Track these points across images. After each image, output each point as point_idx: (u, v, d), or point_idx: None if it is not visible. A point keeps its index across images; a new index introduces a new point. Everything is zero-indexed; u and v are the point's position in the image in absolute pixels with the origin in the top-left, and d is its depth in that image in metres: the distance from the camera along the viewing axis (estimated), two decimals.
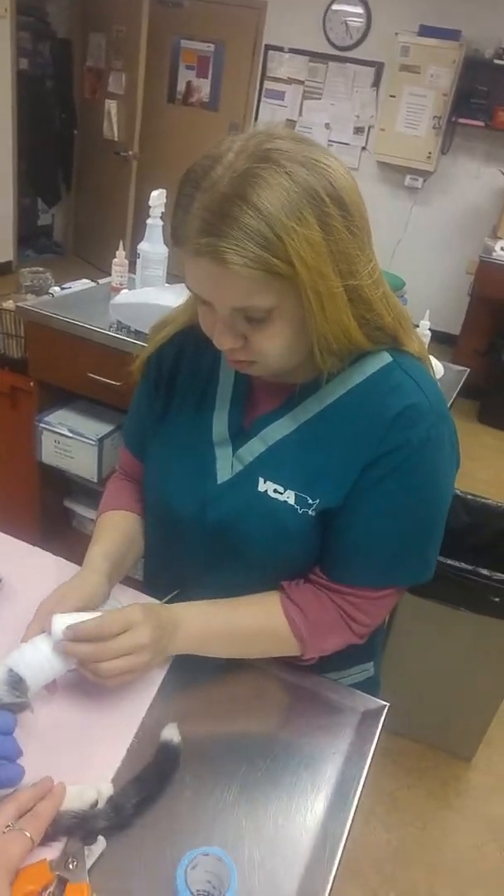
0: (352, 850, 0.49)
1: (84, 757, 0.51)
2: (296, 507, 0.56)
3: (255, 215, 0.44)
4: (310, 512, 0.56)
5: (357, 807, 0.51)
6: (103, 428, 1.39)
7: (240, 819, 0.49)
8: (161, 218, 1.28)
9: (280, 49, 3.53)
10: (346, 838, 0.49)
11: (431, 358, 0.74)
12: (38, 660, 0.50)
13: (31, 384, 1.41)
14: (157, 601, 0.59)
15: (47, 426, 1.40)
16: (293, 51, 3.50)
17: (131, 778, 0.48)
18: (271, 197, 0.44)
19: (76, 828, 0.43)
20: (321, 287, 0.47)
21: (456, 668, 1.33)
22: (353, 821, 0.50)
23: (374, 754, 0.55)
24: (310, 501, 0.56)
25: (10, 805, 0.42)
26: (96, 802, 0.45)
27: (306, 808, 0.51)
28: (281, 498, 0.57)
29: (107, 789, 0.46)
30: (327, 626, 0.58)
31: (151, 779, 0.48)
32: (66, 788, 0.45)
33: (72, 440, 1.38)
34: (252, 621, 0.59)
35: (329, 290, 0.47)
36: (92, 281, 1.49)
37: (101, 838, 0.43)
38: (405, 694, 1.25)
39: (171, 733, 0.51)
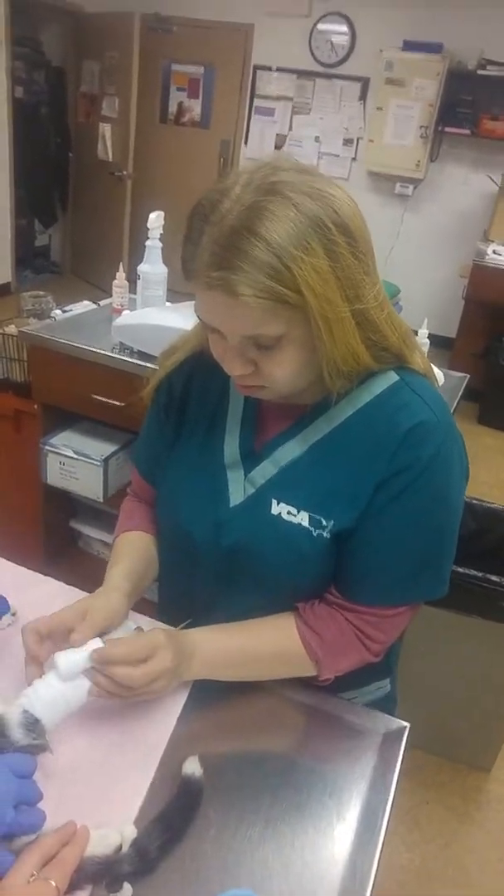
0: None
1: (106, 796, 0.50)
2: (310, 528, 0.56)
3: (263, 247, 0.44)
4: (324, 534, 0.56)
5: (385, 836, 0.50)
6: (108, 448, 1.39)
7: (266, 855, 0.48)
8: (160, 239, 1.29)
9: (268, 68, 3.60)
10: (377, 870, 0.47)
11: (433, 367, 0.74)
12: (52, 696, 0.49)
13: (35, 407, 1.41)
14: (171, 627, 0.58)
15: (52, 448, 1.40)
16: (281, 69, 3.57)
17: (154, 817, 0.47)
18: (279, 228, 0.45)
19: (101, 874, 0.42)
20: (329, 313, 0.47)
21: (470, 676, 1.31)
22: (381, 851, 0.49)
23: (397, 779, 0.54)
24: (324, 523, 0.55)
25: (33, 853, 0.41)
26: (120, 846, 0.44)
27: (333, 840, 0.50)
28: (295, 520, 0.56)
29: (130, 832, 0.45)
30: (343, 647, 0.58)
31: (175, 817, 0.47)
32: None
33: (77, 461, 1.38)
34: (267, 645, 0.58)
35: (337, 315, 0.48)
36: (93, 303, 1.50)
37: (126, 885, 0.42)
38: (419, 705, 1.22)
39: (192, 767, 0.50)
